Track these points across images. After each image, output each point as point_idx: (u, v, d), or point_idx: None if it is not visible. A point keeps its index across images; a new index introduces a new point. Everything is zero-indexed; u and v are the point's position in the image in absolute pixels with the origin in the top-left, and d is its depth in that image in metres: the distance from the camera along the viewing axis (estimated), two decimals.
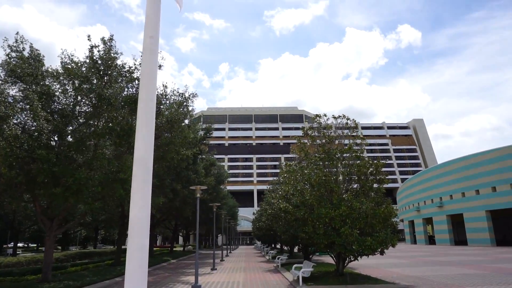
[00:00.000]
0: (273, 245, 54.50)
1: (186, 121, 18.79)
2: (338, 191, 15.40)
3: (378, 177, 15.99)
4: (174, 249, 55.17)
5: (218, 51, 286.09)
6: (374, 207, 14.83)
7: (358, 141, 16.92)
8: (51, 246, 15.95)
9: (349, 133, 17.35)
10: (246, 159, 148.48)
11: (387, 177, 16.32)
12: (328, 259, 30.48)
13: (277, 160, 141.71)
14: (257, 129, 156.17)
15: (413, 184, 73.41)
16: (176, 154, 16.17)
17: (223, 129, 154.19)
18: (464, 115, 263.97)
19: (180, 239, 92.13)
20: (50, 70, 16.11)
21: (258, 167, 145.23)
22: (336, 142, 17.32)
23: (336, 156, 16.21)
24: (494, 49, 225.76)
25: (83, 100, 14.48)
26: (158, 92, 17.66)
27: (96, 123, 14.17)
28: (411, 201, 73.55)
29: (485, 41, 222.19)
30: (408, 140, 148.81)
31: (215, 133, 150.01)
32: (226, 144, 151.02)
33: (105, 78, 14.07)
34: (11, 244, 54.75)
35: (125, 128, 13.63)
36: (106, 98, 13.17)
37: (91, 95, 13.55)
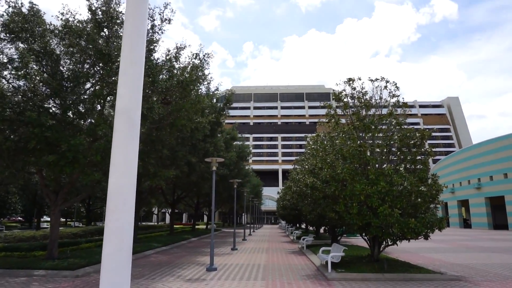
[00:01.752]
0: (297, 225, 52.89)
1: (202, 88, 16.94)
2: (375, 165, 13.10)
3: (423, 149, 13.52)
4: (196, 227, 54.69)
5: (242, 29, 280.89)
6: (418, 183, 12.47)
7: (399, 109, 14.40)
8: (57, 221, 14.72)
9: (389, 98, 14.84)
10: (271, 139, 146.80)
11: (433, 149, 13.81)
12: (359, 241, 28.36)
13: (303, 139, 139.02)
14: (282, 108, 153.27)
15: (447, 165, 69.21)
16: (189, 121, 14.33)
17: (248, 108, 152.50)
18: (501, 94, 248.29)
19: (205, 217, 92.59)
20: (50, 28, 14.43)
21: (283, 146, 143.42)
22: (373, 110, 14.88)
23: (374, 124, 13.83)
24: None
25: (84, 58, 12.75)
26: (171, 53, 15.68)
27: (95, 82, 12.48)
28: (445, 182, 69.32)
29: None
30: (442, 120, 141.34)
31: (240, 112, 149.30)
32: (251, 123, 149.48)
33: (106, 31, 12.25)
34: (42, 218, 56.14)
35: None
36: (106, 53, 11.40)
37: (90, 52, 11.79)
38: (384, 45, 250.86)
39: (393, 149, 14.17)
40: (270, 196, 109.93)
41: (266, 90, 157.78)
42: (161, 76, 13.83)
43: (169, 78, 13.87)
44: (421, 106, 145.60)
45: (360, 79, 15.54)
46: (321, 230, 35.68)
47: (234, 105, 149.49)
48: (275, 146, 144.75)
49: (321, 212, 20.87)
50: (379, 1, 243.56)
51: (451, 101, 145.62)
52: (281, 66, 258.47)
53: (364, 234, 14.16)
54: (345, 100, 15.00)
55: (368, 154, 13.09)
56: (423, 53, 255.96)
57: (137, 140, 2.88)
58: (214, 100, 22.22)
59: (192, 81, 13.97)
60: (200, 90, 17.70)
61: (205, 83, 18.33)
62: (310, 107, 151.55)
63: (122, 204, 2.71)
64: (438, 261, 17.05)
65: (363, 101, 14.60)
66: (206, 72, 16.75)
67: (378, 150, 13.71)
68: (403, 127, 13.73)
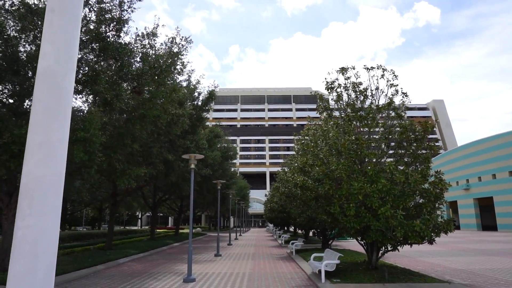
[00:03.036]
0: (285, 228, 51.38)
1: (181, 79, 15.25)
2: (373, 160, 11.66)
3: (425, 143, 12.13)
4: (181, 231, 52.62)
5: (228, 32, 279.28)
6: (423, 181, 11.06)
7: (398, 98, 13.01)
8: (10, 228, 12.79)
9: (386, 88, 13.44)
10: (259, 141, 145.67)
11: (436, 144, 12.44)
12: (350, 245, 26.95)
13: (291, 142, 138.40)
14: (269, 110, 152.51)
15: (435, 166, 68.82)
16: (163, 112, 12.63)
17: (235, 110, 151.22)
18: (481, 98, 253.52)
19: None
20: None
21: (271, 148, 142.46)
22: (369, 101, 13.47)
23: (371, 114, 12.39)
24: None
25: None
26: (143, 35, 13.93)
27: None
28: None
29: (506, 22, 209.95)
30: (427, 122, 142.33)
31: (227, 114, 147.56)
32: (238, 126, 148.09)
33: None
34: None
35: (89, 73, 10.17)
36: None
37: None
38: (369, 49, 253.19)
39: (392, 143, 12.75)
40: (258, 199, 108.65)
41: (253, 92, 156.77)
42: (132, 62, 12.14)
43: (142, 63, 12.17)
44: (406, 109, 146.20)
45: (354, 68, 14.13)
46: (310, 233, 34.24)
47: (221, 107, 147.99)
48: (263, 149, 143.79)
49: (312, 214, 19.42)
50: (364, 6, 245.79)
51: (436, 104, 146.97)
52: (267, 68, 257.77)
53: (361, 239, 12.68)
54: (338, 90, 13.54)
55: (366, 148, 11.60)
56: (407, 57, 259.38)
57: (68, 115, 2.09)
58: (196, 94, 20.57)
59: (168, 67, 12.30)
60: (178, 81, 15.99)
61: (185, 73, 16.68)
62: (297, 109, 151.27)
63: (40, 204, 1.88)
64: (438, 266, 15.71)
65: (358, 90, 13.16)
66: (185, 60, 15.07)
67: (375, 144, 12.27)
68: (404, 119, 12.32)
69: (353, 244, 28.76)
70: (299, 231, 40.48)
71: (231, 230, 36.40)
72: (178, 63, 14.98)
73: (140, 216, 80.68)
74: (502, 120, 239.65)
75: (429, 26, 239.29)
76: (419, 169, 11.97)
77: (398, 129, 12.23)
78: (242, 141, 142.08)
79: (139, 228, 73.95)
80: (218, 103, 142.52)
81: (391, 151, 12.85)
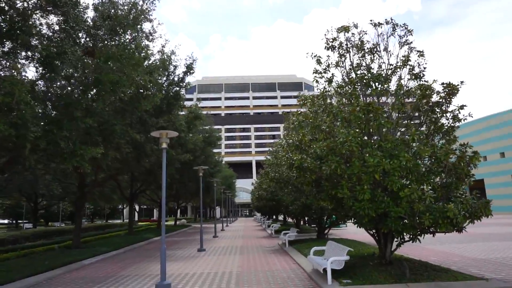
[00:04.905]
0: (274, 217, 49.39)
1: (146, 29, 12.34)
2: (391, 130, 9.38)
3: (449, 109, 9.89)
4: (165, 222, 50.07)
5: (208, 21, 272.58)
6: (452, 153, 8.83)
7: (413, 58, 10.66)
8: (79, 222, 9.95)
9: (398, 48, 11.09)
10: (244, 129, 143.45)
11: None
12: (345, 233, 24.97)
13: (276, 130, 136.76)
14: (254, 98, 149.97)
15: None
16: (125, 79, 9.98)
17: (219, 99, 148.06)
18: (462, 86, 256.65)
19: (179, 212, 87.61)
20: None
21: (256, 137, 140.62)
22: (378, 62, 11.11)
23: (383, 75, 10.06)
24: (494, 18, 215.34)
25: None
26: None
27: None
28: None
29: (484, 10, 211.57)
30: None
31: (211, 103, 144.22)
32: (223, 114, 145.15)
33: None
34: None
35: (16, 18, 7.43)
36: None
37: None
38: None
39: (407, 110, 10.47)
40: (244, 188, 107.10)
41: (237, 80, 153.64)
42: (80, 12, 9.39)
43: (94, 12, 9.43)
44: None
45: (356, 26, 11.70)
46: (301, 222, 32.16)
47: (204, 96, 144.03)
48: (248, 137, 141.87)
49: (306, 201, 17.17)
50: None
51: None
52: (250, 57, 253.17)
53: (372, 228, 10.45)
54: (339, 48, 11.12)
55: (380, 115, 9.25)
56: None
57: None
58: (171, 68, 17.85)
59: (129, 20, 9.61)
60: (146, 47, 13.25)
61: (156, 39, 13.92)
62: (282, 97, 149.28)
63: None
64: (455, 255, 13.71)
65: (366, 48, 10.78)
66: (154, 21, 12.35)
67: (389, 109, 9.96)
68: (423, 79, 10.02)
69: (348, 232, 26.82)
70: (290, 220, 38.47)
71: (217, 221, 33.99)
72: (145, 22, 12.26)
73: (122, 209, 77.43)
74: (485, 105, 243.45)
75: (410, 13, 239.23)
76: (443, 141, 9.76)
77: (417, 91, 9.91)
78: (227, 130, 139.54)
79: (122, 221, 70.90)
80: (202, 92, 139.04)
81: (404, 121, 10.57)
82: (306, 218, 27.99)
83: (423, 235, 9.46)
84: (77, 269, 13.97)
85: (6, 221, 65.84)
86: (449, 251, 15.08)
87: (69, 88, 10.26)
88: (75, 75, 9.81)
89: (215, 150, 45.96)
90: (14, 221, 58.37)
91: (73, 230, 19.00)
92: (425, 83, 10.04)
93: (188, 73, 18.04)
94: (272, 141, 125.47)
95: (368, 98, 10.58)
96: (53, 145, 8.76)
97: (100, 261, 16.06)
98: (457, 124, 9.76)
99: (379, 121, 8.91)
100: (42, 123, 8.81)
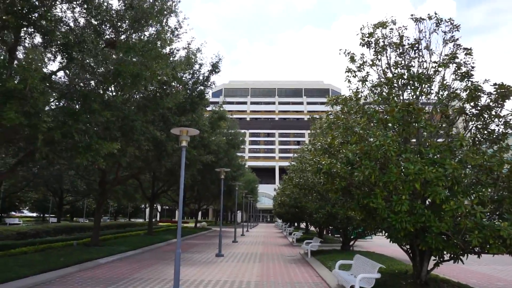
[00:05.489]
0: (295, 225, 48.19)
1: (172, 24, 11.79)
2: (432, 134, 8.37)
3: (502, 114, 8.74)
4: (185, 225, 49.95)
5: (236, 26, 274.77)
6: (506, 162, 7.71)
7: (461, 56, 9.58)
8: (99, 219, 9.77)
9: (442, 45, 10.04)
10: (268, 135, 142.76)
11: None
12: (373, 246, 23.54)
13: (301, 136, 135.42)
14: (280, 103, 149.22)
15: None
16: (147, 73, 9.49)
17: (245, 103, 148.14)
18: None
19: (200, 214, 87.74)
20: None
21: (281, 142, 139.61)
22: (418, 61, 10.11)
23: (425, 74, 9.08)
24: None
25: None
26: None
27: None
28: None
29: None
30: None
31: (237, 107, 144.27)
32: (248, 119, 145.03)
33: None
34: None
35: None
36: None
37: None
38: None
39: (451, 114, 9.38)
40: (267, 194, 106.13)
41: (263, 85, 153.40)
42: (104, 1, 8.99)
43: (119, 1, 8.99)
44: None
45: (395, 22, 10.73)
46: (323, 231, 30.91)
47: (230, 99, 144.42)
48: (272, 143, 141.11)
49: (332, 210, 16.19)
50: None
51: None
52: (277, 62, 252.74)
53: (406, 244, 9.41)
54: (376, 45, 10.21)
55: (422, 117, 8.25)
56: None
57: None
58: (196, 66, 17.41)
59: (153, 11, 9.11)
60: (173, 43, 12.78)
61: (181, 36, 13.45)
62: (308, 103, 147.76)
63: None
64: (501, 280, 12.32)
65: (407, 44, 9.83)
66: (180, 15, 11.88)
67: (430, 111, 8.94)
68: (471, 79, 8.93)
69: (375, 245, 25.43)
70: (312, 229, 37.24)
71: (238, 225, 33.31)
72: (171, 16, 11.79)
73: (144, 209, 78.25)
74: None
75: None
76: (491, 149, 8.64)
77: (463, 94, 8.85)
78: (252, 135, 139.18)
79: (144, 221, 71.56)
80: (228, 96, 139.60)
81: (446, 126, 9.48)
82: (330, 228, 26.80)
83: (466, 255, 8.36)
84: (92, 268, 13.58)
85: (34, 215, 68.00)
86: (490, 273, 13.66)
87: (88, 80, 9.87)
88: (94, 66, 9.41)
89: (239, 154, 45.40)
90: (41, 215, 59.95)
91: (93, 227, 18.77)
92: (474, 84, 8.94)
93: (214, 72, 17.52)
94: (296, 147, 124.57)
95: (413, 93, 9.59)
96: (68, 137, 8.35)
97: (116, 261, 15.67)
98: (510, 131, 8.60)
99: (420, 123, 7.93)
100: (57, 114, 8.43)
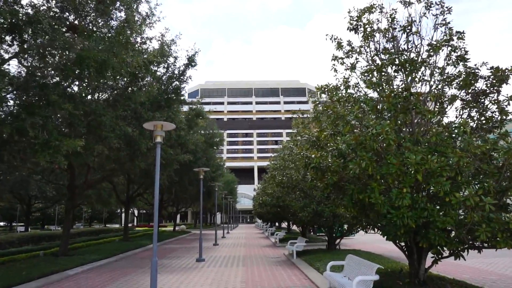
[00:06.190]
0: (276, 224, 47.58)
1: (143, 10, 10.74)
2: (431, 121, 7.76)
3: (500, 99, 8.23)
4: (163, 229, 48.39)
5: (211, 26, 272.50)
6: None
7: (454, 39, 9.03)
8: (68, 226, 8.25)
9: (434, 27, 9.49)
10: (246, 135, 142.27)
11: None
12: (358, 244, 23.02)
13: (279, 135, 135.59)
14: (257, 103, 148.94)
15: None
16: (115, 60, 8.41)
17: (222, 103, 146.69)
18: None
19: (179, 217, 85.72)
20: None
21: (259, 142, 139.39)
22: (410, 45, 9.52)
23: (418, 59, 8.48)
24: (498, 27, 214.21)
25: None
26: None
27: None
28: None
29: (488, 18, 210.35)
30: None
31: (213, 107, 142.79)
32: (225, 119, 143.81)
33: None
34: None
35: None
36: None
37: None
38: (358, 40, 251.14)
39: (445, 99, 8.83)
40: (246, 194, 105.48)
41: (240, 85, 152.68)
42: None
43: None
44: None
45: (382, 8, 10.11)
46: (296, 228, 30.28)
47: (207, 100, 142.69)
48: (250, 143, 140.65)
49: (317, 208, 15.54)
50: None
51: None
52: (253, 62, 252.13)
53: (400, 240, 8.76)
54: (366, 28, 9.55)
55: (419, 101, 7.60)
56: None
57: None
58: (171, 59, 16.33)
59: None
60: (146, 38, 11.69)
61: (154, 23, 12.37)
62: (285, 102, 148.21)
63: None
64: (494, 274, 11.95)
65: (398, 26, 9.22)
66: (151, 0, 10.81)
67: (426, 98, 8.35)
68: (467, 62, 8.38)
69: (358, 242, 25.02)
70: (294, 228, 36.67)
71: (218, 227, 32.24)
72: (143, 1, 10.72)
73: (120, 214, 75.60)
74: None
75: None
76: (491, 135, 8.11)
77: (463, 75, 8.27)
78: (230, 135, 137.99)
79: (120, 226, 68.98)
80: (204, 96, 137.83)
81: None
82: (313, 227, 26.19)
83: (467, 251, 7.79)
84: (59, 280, 12.29)
85: (1, 224, 64.18)
86: (480, 267, 13.33)
87: (45, 68, 8.66)
88: (53, 51, 8.26)
89: (217, 155, 44.29)
90: (8, 224, 56.69)
91: (62, 235, 17.34)
92: (470, 67, 8.39)
93: (190, 66, 16.46)
94: (275, 146, 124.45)
95: (407, 78, 8.95)
96: (22, 133, 7.17)
97: (86, 271, 14.38)
98: (509, 117, 8.09)
99: (420, 109, 7.28)
100: (6, 107, 7.28)
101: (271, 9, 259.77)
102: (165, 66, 16.21)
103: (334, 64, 10.30)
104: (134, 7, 10.61)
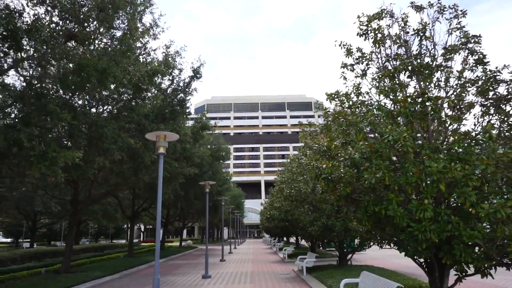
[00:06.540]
0: (284, 239, 46.62)
1: (147, 21, 10.53)
2: (453, 127, 7.26)
3: None
4: (169, 244, 47.70)
5: (216, 43, 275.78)
6: None
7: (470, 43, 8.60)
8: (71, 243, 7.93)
9: (446, 34, 9.08)
10: (253, 149, 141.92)
11: None
12: (369, 259, 22.19)
13: (285, 149, 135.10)
14: (263, 117, 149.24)
15: None
16: (116, 69, 8.09)
17: (228, 118, 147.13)
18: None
19: (185, 232, 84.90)
20: None
21: (265, 157, 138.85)
22: (423, 50, 9.10)
23: (434, 63, 8.05)
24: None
25: None
26: None
27: None
28: None
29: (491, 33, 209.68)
30: None
31: (220, 122, 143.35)
32: (232, 134, 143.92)
33: None
34: None
35: None
36: None
37: None
38: None
39: (461, 106, 8.31)
40: (253, 209, 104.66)
41: (246, 100, 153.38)
42: None
43: None
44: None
45: (392, 15, 9.76)
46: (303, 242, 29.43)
47: (213, 115, 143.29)
48: (257, 157, 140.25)
49: (327, 222, 14.94)
50: (353, 14, 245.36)
51: None
52: (259, 78, 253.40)
53: (419, 256, 8.14)
54: (377, 33, 9.17)
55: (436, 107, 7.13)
56: None
57: None
58: (176, 72, 16.11)
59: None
60: (150, 48, 11.45)
61: (158, 33, 12.16)
62: (291, 117, 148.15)
63: None
64: None
65: (411, 30, 8.82)
66: (155, 11, 10.62)
67: (444, 104, 7.86)
68: (486, 66, 7.92)
69: (369, 258, 24.16)
70: (303, 243, 35.78)
71: (225, 242, 31.52)
72: (145, 10, 10.52)
73: (127, 229, 75.04)
74: None
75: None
76: None
77: (480, 80, 7.80)
78: (236, 150, 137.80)
79: (126, 242, 68.18)
80: (211, 111, 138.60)
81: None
82: (323, 242, 25.41)
83: (495, 267, 7.16)
84: None
85: (9, 240, 63.80)
86: (496, 283, 12.54)
87: (43, 76, 8.37)
88: (51, 60, 8.00)
89: (224, 170, 43.83)
90: (15, 240, 56.36)
91: (64, 251, 16.89)
92: (489, 72, 7.92)
93: (195, 78, 16.21)
94: (281, 160, 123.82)
95: (423, 83, 8.50)
96: (16, 144, 6.84)
97: None
98: None
99: (439, 114, 6.80)
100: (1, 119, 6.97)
101: (275, 26, 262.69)
102: (170, 78, 15.99)
103: (343, 72, 9.90)
104: (138, 18, 10.41)
